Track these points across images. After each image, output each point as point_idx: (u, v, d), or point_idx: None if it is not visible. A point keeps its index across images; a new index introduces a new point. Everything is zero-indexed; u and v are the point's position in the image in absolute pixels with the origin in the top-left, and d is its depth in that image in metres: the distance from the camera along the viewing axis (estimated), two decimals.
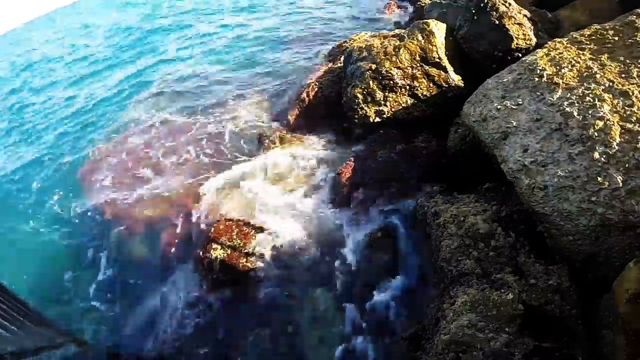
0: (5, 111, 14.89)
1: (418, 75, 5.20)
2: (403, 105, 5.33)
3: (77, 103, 12.97)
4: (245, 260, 4.55)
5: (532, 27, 4.65)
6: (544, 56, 3.63)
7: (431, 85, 5.20)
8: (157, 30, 19.82)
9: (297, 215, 5.49)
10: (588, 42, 3.54)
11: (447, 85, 5.15)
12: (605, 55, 3.32)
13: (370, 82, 5.37)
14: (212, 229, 4.87)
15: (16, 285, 5.65)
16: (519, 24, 4.59)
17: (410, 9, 11.77)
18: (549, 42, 3.84)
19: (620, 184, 2.53)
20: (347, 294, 4.39)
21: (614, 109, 2.85)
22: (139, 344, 4.50)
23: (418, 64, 5.19)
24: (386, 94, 5.35)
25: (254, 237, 4.77)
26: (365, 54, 5.69)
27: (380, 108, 5.42)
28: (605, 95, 2.97)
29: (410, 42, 5.23)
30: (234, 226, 4.90)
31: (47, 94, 15.27)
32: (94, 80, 15.06)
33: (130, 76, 13.96)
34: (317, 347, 4.01)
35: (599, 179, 2.62)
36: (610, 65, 3.21)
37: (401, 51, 5.23)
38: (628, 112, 2.79)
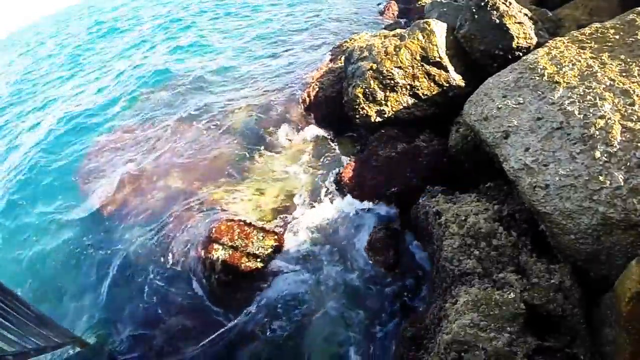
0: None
1: (419, 75, 5.19)
2: (404, 104, 5.34)
3: (81, 99, 13.00)
4: (247, 260, 4.55)
5: (532, 26, 4.64)
6: (545, 55, 3.63)
7: (432, 84, 5.20)
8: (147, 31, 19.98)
9: (297, 215, 5.50)
10: (589, 41, 3.53)
11: (448, 85, 5.15)
12: (606, 53, 3.31)
13: (371, 82, 5.37)
14: (214, 229, 4.87)
15: (16, 285, 5.67)
16: (519, 22, 4.58)
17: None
18: (550, 41, 3.83)
19: (622, 182, 2.52)
20: (348, 294, 4.40)
21: (615, 108, 2.85)
22: (140, 344, 4.51)
23: (419, 64, 5.19)
24: (387, 93, 5.35)
25: (255, 238, 4.77)
26: (366, 53, 5.69)
27: (381, 108, 5.42)
28: (606, 94, 2.96)
29: (410, 41, 5.23)
30: (235, 226, 4.89)
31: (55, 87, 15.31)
32: (97, 74, 15.08)
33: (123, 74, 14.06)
34: (321, 347, 4.01)
35: (601, 177, 2.61)
36: (611, 63, 3.20)
37: (402, 51, 5.23)
38: (629, 111, 2.79)
